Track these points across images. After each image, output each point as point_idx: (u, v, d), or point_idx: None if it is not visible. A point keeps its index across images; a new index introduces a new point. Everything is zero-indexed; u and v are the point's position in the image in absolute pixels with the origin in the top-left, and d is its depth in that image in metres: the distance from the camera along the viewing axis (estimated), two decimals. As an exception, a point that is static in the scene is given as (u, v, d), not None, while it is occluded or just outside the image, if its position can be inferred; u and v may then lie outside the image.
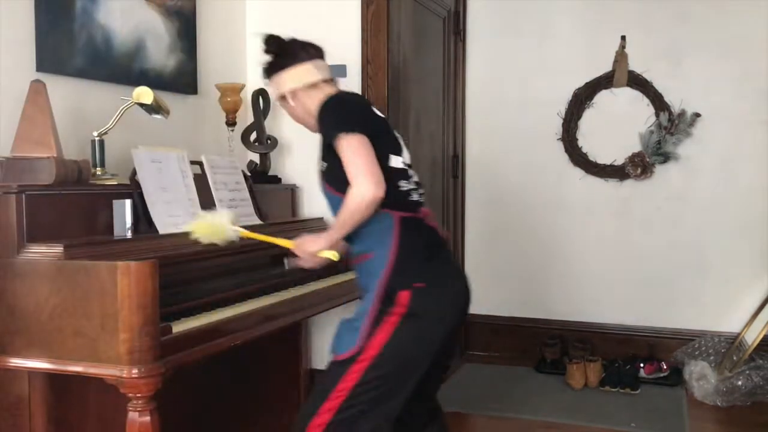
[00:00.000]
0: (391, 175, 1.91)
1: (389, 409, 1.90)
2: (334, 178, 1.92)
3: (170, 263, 2.00)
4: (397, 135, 2.07)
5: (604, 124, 4.24)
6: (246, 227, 2.19)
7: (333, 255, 2.00)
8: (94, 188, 2.12)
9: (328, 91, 2.04)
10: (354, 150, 1.85)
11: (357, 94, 2.20)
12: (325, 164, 1.97)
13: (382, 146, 1.93)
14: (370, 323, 1.86)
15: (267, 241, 2.13)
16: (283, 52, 2.07)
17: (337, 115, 1.93)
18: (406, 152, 2.05)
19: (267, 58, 2.09)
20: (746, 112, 3.99)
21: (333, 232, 1.93)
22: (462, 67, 4.41)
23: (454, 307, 1.96)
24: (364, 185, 1.82)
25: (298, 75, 2.04)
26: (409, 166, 2.04)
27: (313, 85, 2.04)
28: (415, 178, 2.05)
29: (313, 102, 2.00)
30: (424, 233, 1.98)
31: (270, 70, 2.09)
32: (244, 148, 3.15)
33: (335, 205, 1.94)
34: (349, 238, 1.97)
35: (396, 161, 1.97)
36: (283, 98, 2.09)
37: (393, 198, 1.91)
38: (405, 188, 1.97)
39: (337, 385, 1.85)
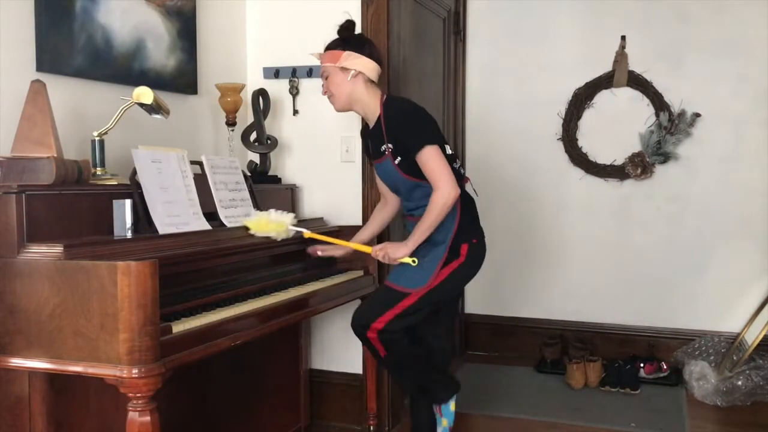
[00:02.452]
0: (450, 162, 2.47)
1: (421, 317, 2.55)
2: (409, 168, 2.48)
3: (170, 263, 2.00)
4: None
5: (604, 124, 4.24)
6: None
7: (413, 260, 2.46)
8: (94, 188, 2.12)
9: (377, 91, 2.56)
10: (437, 160, 2.41)
11: (414, 103, 2.59)
12: (400, 158, 2.49)
13: (441, 141, 2.49)
14: (440, 267, 2.48)
15: (344, 245, 2.64)
16: (367, 41, 2.59)
17: (422, 126, 2.48)
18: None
19: (350, 33, 2.56)
20: (746, 112, 3.99)
21: (418, 238, 2.45)
22: (462, 67, 4.41)
23: (484, 257, 2.62)
24: (447, 189, 2.39)
25: (370, 66, 2.52)
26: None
27: (371, 82, 2.55)
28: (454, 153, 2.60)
29: (364, 93, 2.53)
30: (471, 200, 2.63)
31: (336, 45, 2.53)
32: (244, 148, 3.15)
33: (408, 187, 2.53)
34: (419, 205, 2.53)
35: (447, 149, 2.52)
36: (343, 69, 2.51)
37: (455, 177, 2.45)
38: (456, 167, 2.51)
39: (400, 302, 2.46)
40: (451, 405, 2.69)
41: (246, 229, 2.45)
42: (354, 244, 2.62)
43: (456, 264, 2.51)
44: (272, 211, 2.50)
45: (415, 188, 2.53)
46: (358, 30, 3.04)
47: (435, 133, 2.49)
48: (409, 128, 2.47)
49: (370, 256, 2.58)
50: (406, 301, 2.47)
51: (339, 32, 2.56)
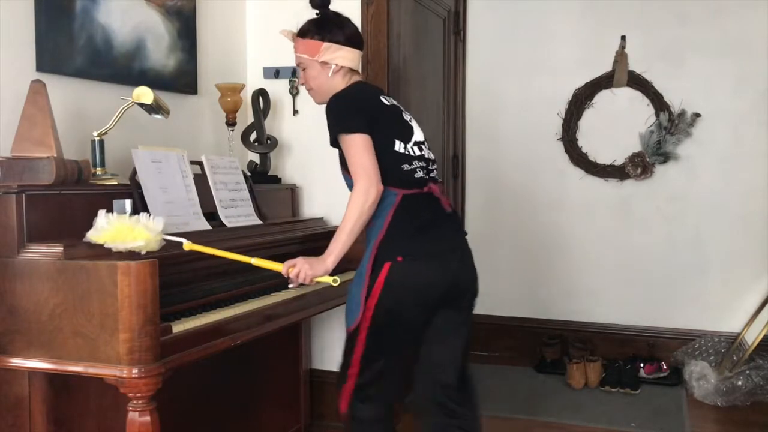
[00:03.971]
0: (394, 160, 2.11)
1: (393, 362, 2.12)
2: (345, 163, 2.12)
3: (170, 263, 2.00)
4: (408, 118, 2.24)
5: (604, 124, 4.24)
6: (247, 228, 2.23)
7: (333, 280, 2.04)
8: (94, 188, 2.11)
9: (349, 79, 2.23)
10: (353, 150, 2.05)
11: (364, 88, 2.26)
12: (338, 150, 2.15)
13: (387, 134, 2.12)
14: (365, 286, 2.05)
15: (231, 258, 2.07)
16: (345, 23, 2.25)
17: (339, 115, 2.11)
18: (418, 132, 2.23)
19: (316, 17, 2.24)
20: (746, 112, 3.99)
21: (335, 248, 2.05)
22: (462, 67, 4.41)
23: (433, 279, 2.10)
24: (361, 185, 2.01)
25: (351, 56, 2.22)
26: (422, 143, 2.22)
27: (342, 69, 2.22)
28: (428, 155, 2.23)
29: (333, 84, 2.21)
30: (422, 210, 2.12)
31: (314, 33, 2.22)
32: (244, 148, 3.15)
33: (351, 186, 2.09)
34: None
35: (399, 146, 2.13)
36: (323, 64, 2.21)
37: (397, 178, 2.09)
38: (407, 169, 2.12)
39: (355, 348, 2.08)
40: None
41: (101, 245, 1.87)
42: (258, 260, 2.07)
43: (377, 286, 2.04)
44: (140, 216, 1.91)
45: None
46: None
47: (358, 121, 2.07)
48: (330, 116, 2.13)
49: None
50: (358, 347, 2.07)
51: (312, 2, 2.25)
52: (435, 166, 2.25)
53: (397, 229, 2.07)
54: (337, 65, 2.21)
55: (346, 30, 2.23)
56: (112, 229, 1.84)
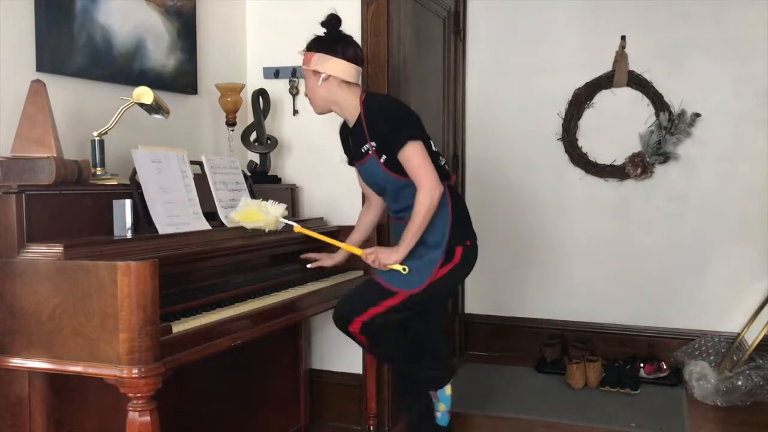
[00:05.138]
0: (434, 158, 2.42)
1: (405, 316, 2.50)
2: (397, 166, 2.40)
3: (170, 263, 2.00)
4: None
5: (604, 124, 4.24)
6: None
7: (403, 268, 2.40)
8: (94, 188, 2.11)
9: (355, 90, 2.47)
10: (420, 157, 2.34)
11: (399, 100, 2.61)
12: (385, 156, 2.40)
13: (427, 139, 2.43)
14: (437, 270, 2.42)
15: (335, 245, 2.57)
16: (340, 40, 2.45)
17: (404, 122, 2.40)
18: None
19: (323, 33, 2.47)
20: (746, 112, 3.99)
21: (409, 242, 2.38)
22: (462, 67, 4.41)
23: (476, 259, 2.58)
24: (430, 187, 2.32)
25: (341, 68, 2.42)
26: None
27: (347, 83, 2.45)
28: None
29: (339, 95, 2.45)
30: (461, 200, 2.60)
31: (319, 48, 2.44)
32: (244, 148, 3.15)
33: (396, 187, 2.45)
34: (406, 206, 2.45)
35: (432, 145, 2.47)
36: (315, 73, 2.44)
37: (439, 173, 2.40)
38: (441, 164, 2.48)
39: (387, 300, 2.41)
40: (447, 389, 2.67)
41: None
42: (345, 245, 2.58)
43: (450, 267, 2.45)
44: (268, 201, 2.48)
45: (403, 188, 2.45)
46: (356, 28, 3.05)
47: (418, 128, 2.41)
48: (391, 124, 2.39)
49: None
50: (392, 300, 2.42)
51: (322, 23, 2.48)
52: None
53: (458, 220, 2.47)
54: (326, 74, 2.41)
55: (339, 45, 2.44)
56: (247, 210, 2.42)
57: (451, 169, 2.57)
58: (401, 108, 2.46)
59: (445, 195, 2.42)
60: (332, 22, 2.46)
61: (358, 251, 2.51)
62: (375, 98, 2.49)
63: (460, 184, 4.44)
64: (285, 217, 2.50)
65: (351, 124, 2.53)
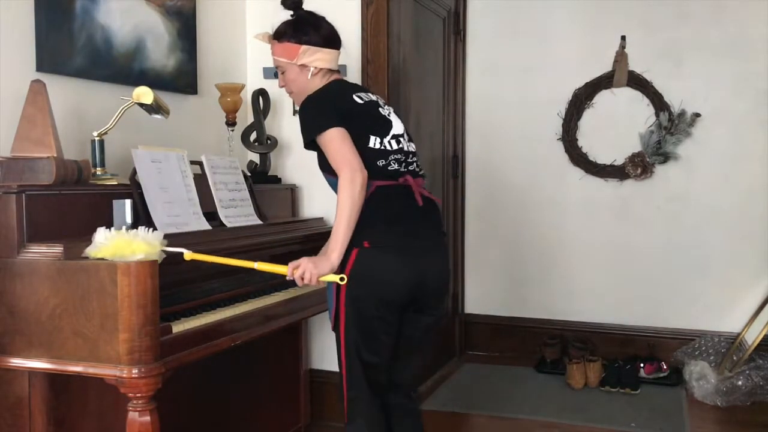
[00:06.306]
0: (369, 156, 2.07)
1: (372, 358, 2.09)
2: (325, 164, 2.10)
3: (170, 263, 2.00)
4: (386, 112, 2.21)
5: (604, 124, 4.24)
6: (247, 228, 2.24)
7: (340, 278, 1.98)
8: (94, 188, 2.11)
9: (327, 80, 2.23)
10: (334, 144, 2.02)
11: (335, 86, 2.24)
12: (317, 153, 2.14)
13: (360, 132, 2.09)
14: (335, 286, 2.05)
15: (234, 264, 2.01)
16: (321, 22, 2.23)
17: (311, 117, 2.10)
18: (398, 125, 2.21)
19: (291, 19, 2.23)
20: (746, 112, 3.99)
21: (336, 242, 1.99)
22: (462, 67, 4.41)
23: (398, 273, 2.05)
24: (347, 173, 1.98)
25: (329, 57, 2.21)
26: (401, 135, 2.20)
27: (321, 71, 2.22)
28: (408, 148, 2.20)
29: (312, 86, 2.19)
30: (393, 201, 2.10)
31: (290, 35, 2.20)
32: (244, 148, 3.15)
33: (333, 185, 2.09)
34: None
35: (375, 142, 2.12)
36: (302, 67, 2.20)
37: (372, 171, 2.05)
38: (382, 164, 2.11)
39: (339, 347, 2.09)
40: None
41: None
42: (261, 264, 1.98)
43: (346, 273, 2.02)
44: (139, 229, 1.87)
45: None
46: (356, 28, 3.03)
47: (332, 116, 2.06)
48: (303, 118, 2.12)
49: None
50: (341, 343, 2.09)
51: (283, 3, 2.24)
52: (415, 159, 2.23)
53: (367, 218, 2.02)
54: (316, 68, 2.21)
55: (322, 31, 2.22)
56: (110, 244, 1.79)
57: (417, 169, 2.21)
58: (318, 99, 2.14)
59: (369, 191, 2.05)
60: (299, 5, 2.24)
61: (280, 269, 1.99)
62: (309, 96, 2.18)
63: (461, 185, 4.44)
64: (168, 245, 1.92)
65: None
